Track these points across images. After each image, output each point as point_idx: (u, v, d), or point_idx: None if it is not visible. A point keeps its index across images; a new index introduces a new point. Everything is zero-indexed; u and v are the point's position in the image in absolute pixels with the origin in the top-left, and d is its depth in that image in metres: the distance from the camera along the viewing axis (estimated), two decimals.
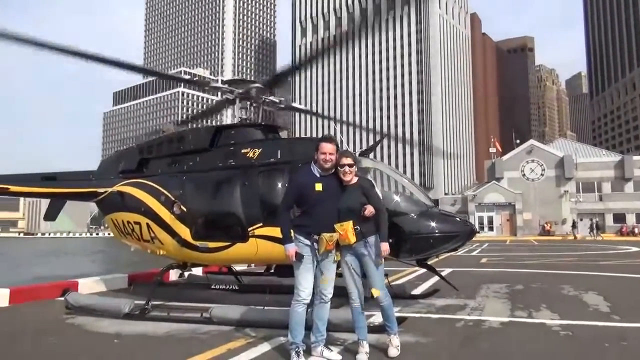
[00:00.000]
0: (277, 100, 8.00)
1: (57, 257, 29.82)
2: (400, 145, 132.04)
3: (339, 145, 4.65)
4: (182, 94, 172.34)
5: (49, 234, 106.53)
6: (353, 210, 4.38)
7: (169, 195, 7.31)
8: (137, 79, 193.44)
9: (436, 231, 6.21)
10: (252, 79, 7.83)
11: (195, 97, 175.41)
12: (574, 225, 45.44)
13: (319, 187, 4.39)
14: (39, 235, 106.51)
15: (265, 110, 8.08)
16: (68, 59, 6.63)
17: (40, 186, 9.25)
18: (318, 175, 4.46)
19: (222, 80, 8.40)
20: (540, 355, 4.59)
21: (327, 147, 4.44)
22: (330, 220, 4.34)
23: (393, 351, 4.39)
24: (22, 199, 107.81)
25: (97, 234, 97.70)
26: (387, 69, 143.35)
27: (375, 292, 4.35)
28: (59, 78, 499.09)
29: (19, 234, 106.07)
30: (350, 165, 4.44)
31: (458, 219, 6.72)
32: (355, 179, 4.52)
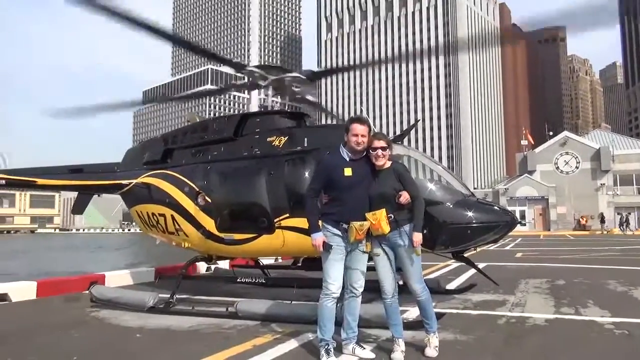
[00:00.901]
0: (303, 76, 7.62)
1: (99, 251, 30.46)
2: (428, 140, 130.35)
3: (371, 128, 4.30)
4: (209, 92, 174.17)
5: (83, 230, 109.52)
6: (386, 197, 4.03)
7: (194, 186, 7.11)
8: (166, 78, 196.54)
9: (474, 221, 5.81)
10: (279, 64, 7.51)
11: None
12: (602, 220, 43.82)
13: (348, 171, 4.06)
14: (74, 231, 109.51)
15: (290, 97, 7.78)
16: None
17: (65, 179, 9.20)
18: (347, 159, 4.13)
19: (255, 66, 8.10)
20: (598, 357, 4.15)
21: (359, 128, 4.09)
22: (360, 207, 4.01)
23: (431, 352, 4.02)
24: (57, 195, 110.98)
25: (129, 230, 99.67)
26: (414, 63, 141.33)
27: (417, 288, 4.00)
28: (93, 79, 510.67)
29: (55, 230, 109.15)
30: (383, 149, 4.08)
31: (497, 207, 6.29)
32: (388, 164, 4.17)
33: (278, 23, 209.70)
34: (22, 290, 7.58)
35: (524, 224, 49.41)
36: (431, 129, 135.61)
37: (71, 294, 7.88)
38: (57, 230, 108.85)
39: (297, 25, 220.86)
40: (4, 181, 9.46)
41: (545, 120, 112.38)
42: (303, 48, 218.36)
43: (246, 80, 7.54)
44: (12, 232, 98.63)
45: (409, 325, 4.68)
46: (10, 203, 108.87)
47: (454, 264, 11.25)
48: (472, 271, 9.54)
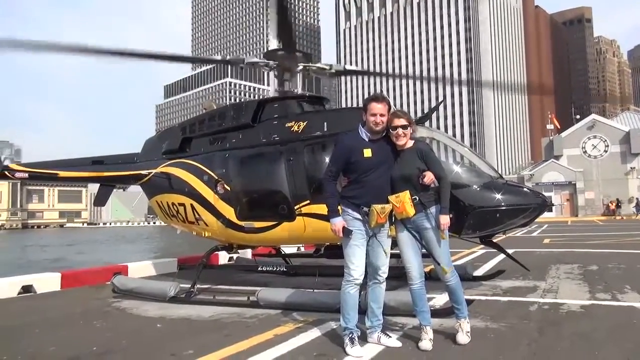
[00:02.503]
0: (326, 66, 7.44)
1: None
2: (450, 126, 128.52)
3: (391, 106, 4.07)
4: (230, 84, 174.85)
5: (110, 224, 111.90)
6: (409, 178, 3.82)
7: (212, 174, 7.00)
8: (186, 72, 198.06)
9: (503, 204, 5.55)
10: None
11: (242, 86, 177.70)
12: (618, 205, 42.56)
13: (367, 152, 3.86)
14: (101, 224, 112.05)
15: (309, 83, 7.57)
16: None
17: (86, 171, 9.20)
18: (367, 140, 3.93)
19: (263, 54, 7.93)
20: None
21: (377, 107, 3.89)
22: (381, 190, 3.82)
23: (463, 338, 3.82)
24: (84, 190, 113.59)
25: (154, 223, 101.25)
26: (435, 49, 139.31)
27: (447, 269, 3.79)
28: (116, 76, 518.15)
29: (83, 224, 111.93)
30: (404, 127, 3.87)
31: (527, 189, 6.01)
32: (410, 143, 3.95)
33: (296, 13, 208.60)
34: (47, 282, 7.64)
35: (550, 210, 48.19)
36: (453, 115, 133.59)
37: (96, 285, 7.90)
38: (85, 225, 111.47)
39: (316, 15, 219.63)
40: (27, 174, 9.54)
41: (572, 104, 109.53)
42: (322, 39, 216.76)
43: (271, 63, 7.35)
44: (42, 226, 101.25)
45: (436, 313, 4.49)
46: (39, 198, 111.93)
47: (480, 251, 10.96)
48: (499, 258, 9.25)
